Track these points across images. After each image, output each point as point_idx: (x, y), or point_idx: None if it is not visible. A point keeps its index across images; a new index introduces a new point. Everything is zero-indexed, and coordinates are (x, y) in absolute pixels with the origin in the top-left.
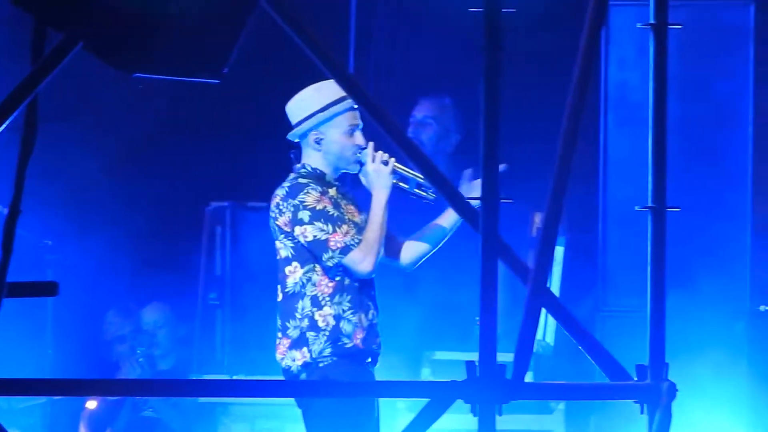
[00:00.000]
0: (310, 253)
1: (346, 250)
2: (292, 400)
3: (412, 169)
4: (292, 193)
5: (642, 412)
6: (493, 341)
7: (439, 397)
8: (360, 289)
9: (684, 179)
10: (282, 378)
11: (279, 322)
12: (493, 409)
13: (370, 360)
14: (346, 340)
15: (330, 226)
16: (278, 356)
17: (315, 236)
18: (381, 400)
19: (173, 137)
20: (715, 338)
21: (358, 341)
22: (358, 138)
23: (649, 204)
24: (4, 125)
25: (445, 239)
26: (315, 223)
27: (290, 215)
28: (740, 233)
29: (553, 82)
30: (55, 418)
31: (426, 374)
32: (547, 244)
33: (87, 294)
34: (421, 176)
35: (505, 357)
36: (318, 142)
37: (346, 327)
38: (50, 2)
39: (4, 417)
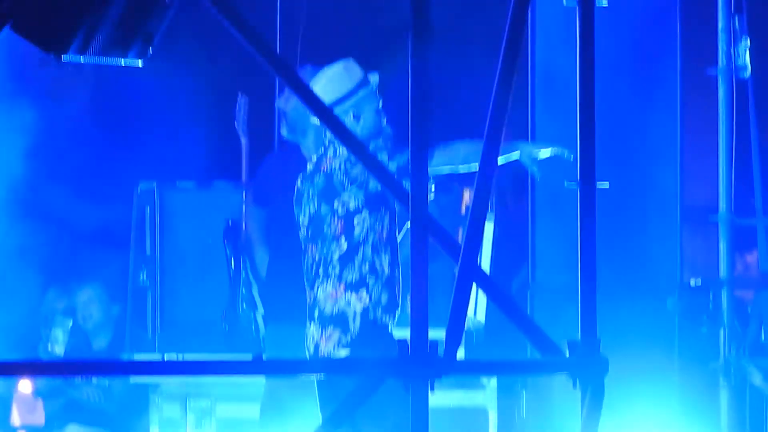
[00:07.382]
0: None
1: None
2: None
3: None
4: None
5: (574, 387)
6: (425, 319)
7: (370, 375)
8: None
9: (613, 157)
10: None
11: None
12: (426, 386)
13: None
14: None
15: None
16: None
17: None
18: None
19: (103, 117)
20: (646, 312)
21: None
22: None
23: (578, 180)
24: None
25: None
26: None
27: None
28: (670, 208)
29: (480, 65)
30: None
31: None
32: (477, 221)
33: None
34: None
35: (436, 334)
36: (357, 117)
37: None
38: None
39: None
